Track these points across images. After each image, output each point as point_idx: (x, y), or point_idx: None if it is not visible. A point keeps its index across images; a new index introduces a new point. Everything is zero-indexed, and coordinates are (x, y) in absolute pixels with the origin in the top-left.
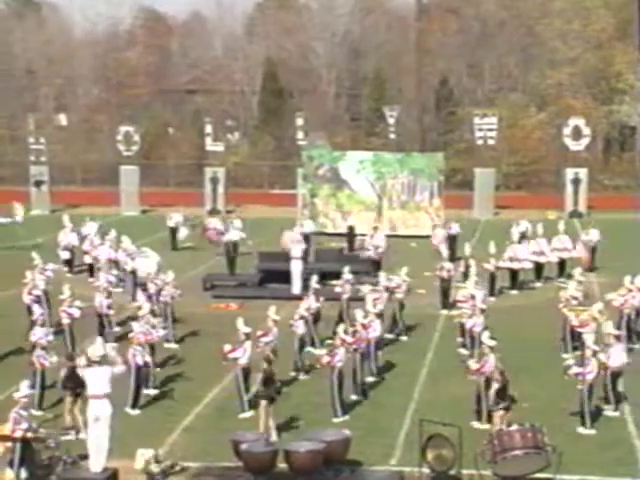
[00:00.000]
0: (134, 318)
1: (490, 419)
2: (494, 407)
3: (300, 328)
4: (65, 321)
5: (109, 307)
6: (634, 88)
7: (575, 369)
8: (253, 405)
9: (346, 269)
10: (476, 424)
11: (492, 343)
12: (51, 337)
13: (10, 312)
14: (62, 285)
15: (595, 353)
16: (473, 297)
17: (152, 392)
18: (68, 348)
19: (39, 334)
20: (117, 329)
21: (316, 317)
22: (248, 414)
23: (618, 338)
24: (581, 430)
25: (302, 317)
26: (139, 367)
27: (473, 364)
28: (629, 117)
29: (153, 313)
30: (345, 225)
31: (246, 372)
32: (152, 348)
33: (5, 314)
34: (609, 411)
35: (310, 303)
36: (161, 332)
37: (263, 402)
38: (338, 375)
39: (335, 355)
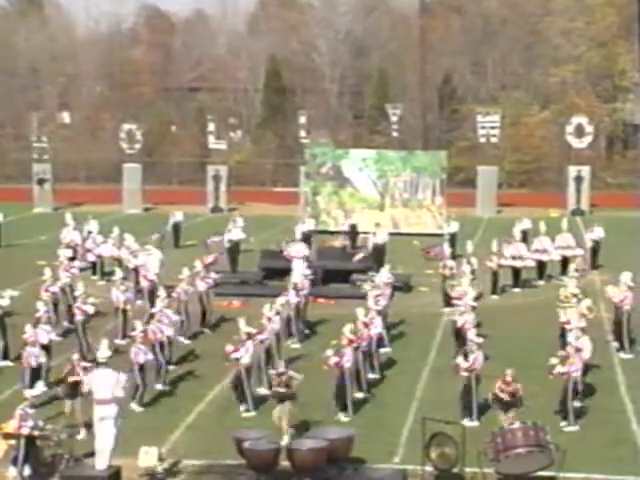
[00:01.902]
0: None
1: (480, 415)
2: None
3: (276, 323)
4: (78, 318)
5: (125, 303)
6: (638, 86)
7: (559, 368)
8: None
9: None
10: (467, 422)
11: (479, 340)
12: (53, 335)
13: (23, 310)
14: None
15: (578, 350)
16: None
17: (159, 387)
18: (83, 345)
19: (30, 332)
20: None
21: (298, 312)
22: (252, 413)
23: (584, 331)
24: (564, 426)
25: (278, 312)
26: (141, 365)
27: (462, 362)
28: (632, 115)
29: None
30: (347, 223)
31: (249, 371)
32: (169, 345)
33: (16, 312)
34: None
35: (289, 298)
36: (170, 331)
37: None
38: (349, 375)
39: (343, 355)
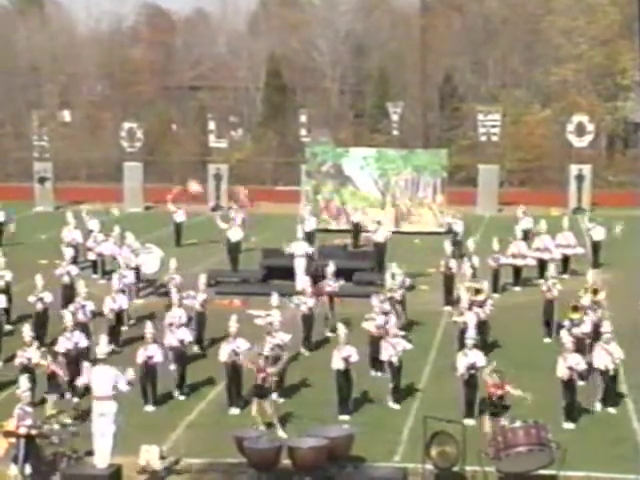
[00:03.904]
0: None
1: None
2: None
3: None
4: (80, 318)
5: (115, 309)
6: (639, 84)
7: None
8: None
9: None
10: (466, 421)
11: (475, 337)
12: (84, 342)
13: (23, 310)
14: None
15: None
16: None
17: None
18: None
19: (27, 333)
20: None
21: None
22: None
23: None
24: (570, 425)
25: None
26: (145, 364)
27: (461, 360)
28: (633, 113)
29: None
30: (352, 221)
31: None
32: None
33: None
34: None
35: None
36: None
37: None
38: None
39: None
